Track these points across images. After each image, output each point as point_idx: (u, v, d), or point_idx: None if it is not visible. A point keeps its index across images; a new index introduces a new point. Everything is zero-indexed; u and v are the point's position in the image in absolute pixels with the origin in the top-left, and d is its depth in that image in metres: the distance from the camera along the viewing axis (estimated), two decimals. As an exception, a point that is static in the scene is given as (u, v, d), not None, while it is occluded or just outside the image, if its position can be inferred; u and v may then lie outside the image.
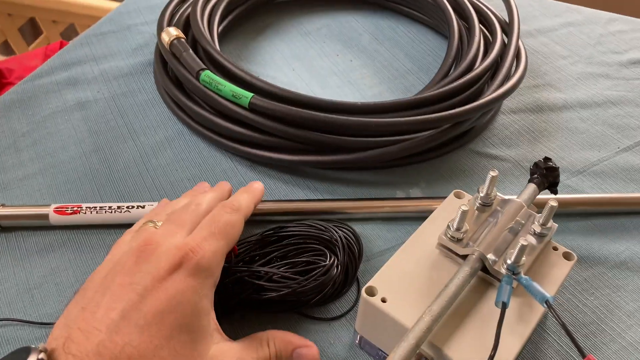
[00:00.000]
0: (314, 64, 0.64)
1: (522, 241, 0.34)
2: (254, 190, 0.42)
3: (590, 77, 0.63)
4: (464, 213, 0.36)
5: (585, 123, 0.57)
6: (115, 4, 1.34)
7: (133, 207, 0.45)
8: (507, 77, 0.55)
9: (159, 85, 0.58)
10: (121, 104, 0.58)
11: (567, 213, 0.48)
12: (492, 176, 0.38)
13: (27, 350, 0.28)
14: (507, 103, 0.59)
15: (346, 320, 0.41)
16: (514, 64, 0.57)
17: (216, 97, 0.50)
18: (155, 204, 0.46)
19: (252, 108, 0.48)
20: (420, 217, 0.47)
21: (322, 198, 0.49)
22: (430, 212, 0.44)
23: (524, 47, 0.59)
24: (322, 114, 0.47)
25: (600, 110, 0.59)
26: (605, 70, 0.64)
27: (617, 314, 0.42)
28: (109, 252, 0.36)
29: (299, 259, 0.39)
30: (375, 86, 0.61)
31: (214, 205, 0.38)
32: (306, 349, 0.35)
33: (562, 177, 0.52)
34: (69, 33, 1.53)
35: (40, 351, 0.28)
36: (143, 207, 0.45)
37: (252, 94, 0.48)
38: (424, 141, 0.49)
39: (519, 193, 0.40)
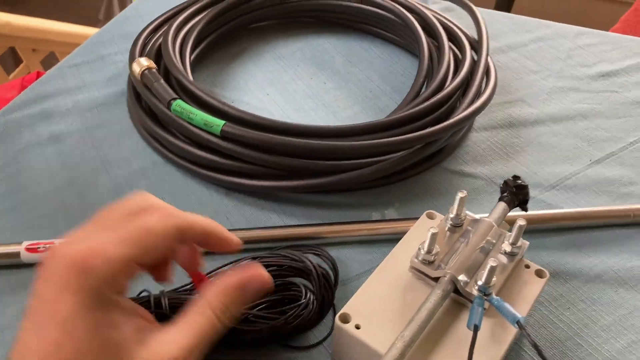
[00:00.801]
0: (288, 87, 0.64)
1: (491, 262, 0.34)
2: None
3: (560, 91, 0.64)
4: (434, 236, 0.36)
5: (557, 137, 0.58)
6: (94, 30, 1.34)
7: (106, 240, 0.45)
8: (478, 95, 0.56)
9: (132, 116, 0.58)
10: (95, 135, 0.57)
11: (542, 229, 0.49)
12: (461, 197, 0.38)
13: None
14: (479, 120, 0.60)
15: (324, 347, 0.41)
16: (484, 81, 0.58)
17: (188, 126, 0.50)
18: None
19: (224, 136, 0.48)
20: (396, 239, 0.47)
21: (298, 224, 0.49)
22: (404, 233, 0.44)
23: (494, 64, 0.60)
24: (294, 139, 0.47)
25: (572, 123, 0.60)
26: (575, 84, 0.65)
27: (593, 329, 0.42)
28: None
29: (274, 297, 0.39)
30: (349, 108, 0.62)
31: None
32: (251, 281, 0.30)
33: (535, 192, 0.52)
34: (50, 60, 1.53)
35: None
36: (117, 240, 0.45)
37: (223, 122, 0.48)
38: (397, 162, 0.49)
39: (490, 212, 0.41)
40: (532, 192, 0.52)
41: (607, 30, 1.30)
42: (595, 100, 0.62)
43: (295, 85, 0.65)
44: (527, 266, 0.39)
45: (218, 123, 0.47)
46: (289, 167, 0.48)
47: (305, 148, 0.47)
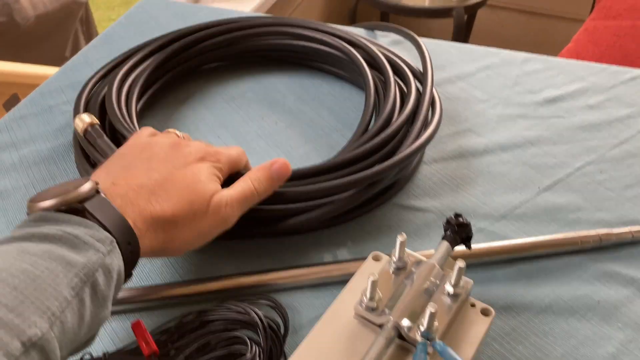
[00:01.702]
0: (240, 129, 0.64)
1: (430, 308, 0.34)
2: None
3: (508, 119, 0.65)
4: (374, 283, 0.36)
5: (506, 166, 0.59)
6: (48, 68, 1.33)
7: (49, 302, 0.44)
8: (425, 127, 0.56)
9: (80, 169, 0.57)
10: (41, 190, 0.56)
11: (492, 262, 0.49)
12: (401, 241, 0.38)
13: (84, 179, 0.37)
14: (429, 152, 0.60)
15: (274, 400, 0.40)
16: (430, 113, 0.58)
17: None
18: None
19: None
20: (346, 280, 0.47)
21: (249, 271, 0.48)
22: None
23: (439, 95, 0.61)
24: (238, 187, 0.47)
25: (520, 151, 0.60)
26: (523, 111, 0.66)
27: (545, 362, 0.42)
28: (128, 141, 0.47)
29: (218, 353, 0.38)
30: (300, 146, 0.62)
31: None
32: (274, 165, 0.47)
33: (485, 224, 0.53)
34: (14, 102, 1.51)
35: (95, 182, 0.37)
36: (59, 301, 0.44)
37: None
38: (344, 203, 0.49)
39: (434, 253, 0.41)
40: (482, 224, 0.53)
41: (562, 48, 1.34)
42: (542, 127, 0.63)
43: (247, 126, 0.65)
44: (473, 305, 0.39)
45: None
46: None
47: (250, 195, 0.46)
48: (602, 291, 0.47)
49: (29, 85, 1.51)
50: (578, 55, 1.26)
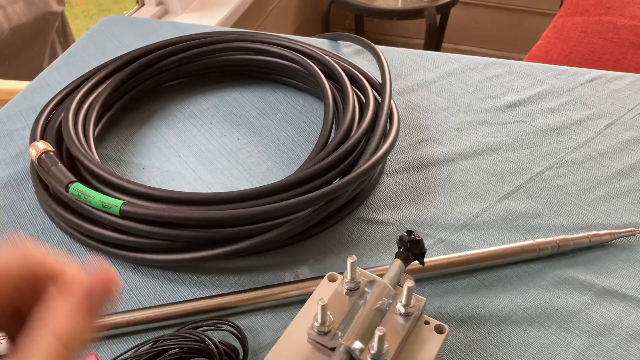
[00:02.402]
0: (201, 147, 0.64)
1: (378, 331, 0.34)
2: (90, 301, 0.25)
3: (469, 126, 0.65)
4: (324, 308, 0.36)
5: (466, 174, 0.59)
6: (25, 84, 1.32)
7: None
8: (384, 138, 0.56)
9: (38, 195, 0.57)
10: (0, 219, 0.56)
11: (452, 273, 0.49)
12: (351, 262, 0.38)
13: None
14: (391, 163, 0.60)
15: None
16: (388, 125, 0.58)
17: (89, 207, 0.49)
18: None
19: (124, 215, 0.47)
20: (306, 300, 0.47)
21: (208, 295, 0.48)
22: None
23: (396, 106, 0.61)
24: (194, 211, 0.47)
25: (480, 158, 0.61)
26: (484, 117, 0.66)
27: (503, 374, 0.42)
28: None
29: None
30: (262, 163, 0.62)
31: None
32: (91, 287, 0.24)
33: (446, 234, 0.53)
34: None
35: None
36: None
37: (121, 202, 0.47)
38: (304, 221, 0.49)
39: (386, 271, 0.41)
40: (443, 234, 0.53)
41: (536, 42, 1.34)
42: (502, 133, 0.64)
43: (209, 144, 0.64)
44: (427, 322, 0.39)
45: (116, 204, 0.47)
46: (193, 239, 0.48)
47: (205, 218, 0.46)
48: (561, 298, 0.47)
49: (2, 100, 1.50)
50: (547, 52, 1.27)
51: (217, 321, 0.44)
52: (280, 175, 0.60)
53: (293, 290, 0.47)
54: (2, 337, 0.43)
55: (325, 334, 0.37)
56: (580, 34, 1.27)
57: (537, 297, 0.47)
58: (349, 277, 0.39)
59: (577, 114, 0.66)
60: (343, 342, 0.35)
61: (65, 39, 2.06)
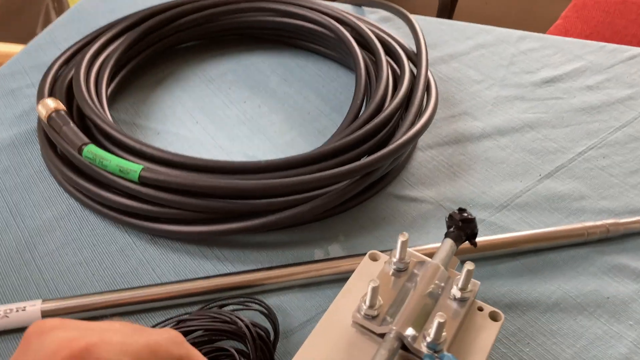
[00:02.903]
0: (220, 113, 0.60)
1: (438, 318, 0.30)
2: None
3: (505, 101, 0.61)
4: (375, 290, 0.32)
5: (504, 151, 0.55)
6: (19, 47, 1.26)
7: (12, 310, 0.40)
8: (420, 113, 0.52)
9: (45, 158, 0.52)
10: (2, 182, 0.51)
11: (494, 255, 0.46)
12: (402, 241, 0.35)
13: None
14: (423, 138, 0.57)
15: (265, 414, 0.37)
16: (425, 98, 0.54)
17: (104, 172, 0.45)
18: (37, 302, 0.40)
19: (143, 182, 0.43)
20: (341, 279, 0.44)
21: (233, 271, 0.44)
22: (349, 273, 0.40)
23: (434, 78, 0.57)
24: (221, 180, 0.43)
25: (519, 135, 0.57)
26: (520, 92, 0.62)
27: (554, 365, 0.39)
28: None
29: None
30: (286, 133, 0.58)
31: None
32: None
33: (485, 214, 0.49)
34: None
35: None
36: (24, 309, 0.40)
37: (141, 167, 0.43)
38: (337, 196, 0.45)
39: (436, 251, 0.37)
40: (482, 214, 0.49)
41: (549, 26, 1.30)
42: (540, 109, 0.60)
43: (228, 110, 0.60)
44: (480, 308, 0.36)
45: (135, 169, 0.43)
46: (218, 210, 0.44)
47: (233, 188, 0.42)
48: (611, 286, 0.44)
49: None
50: (567, 32, 1.23)
51: (245, 299, 0.40)
52: (306, 146, 0.56)
53: (326, 269, 0.44)
54: (8, 312, 0.39)
55: (374, 318, 0.33)
56: (602, 14, 1.22)
57: (586, 284, 0.44)
58: (397, 256, 0.36)
59: (618, 93, 0.62)
60: (394, 328, 0.32)
61: (60, 3, 1.98)
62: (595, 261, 0.46)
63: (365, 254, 0.39)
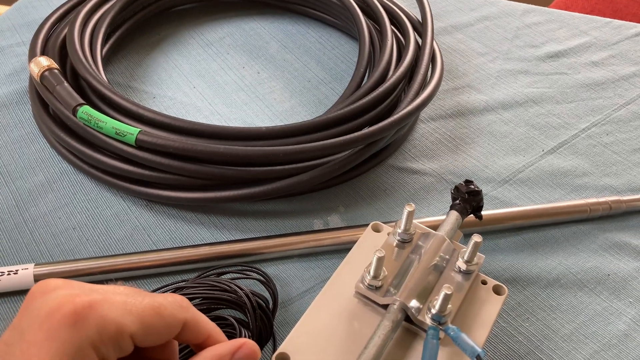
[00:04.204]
0: (218, 79, 0.58)
1: (445, 289, 0.30)
2: None
3: (509, 75, 0.60)
4: (380, 260, 0.32)
5: (507, 125, 0.55)
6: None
7: (3, 273, 0.39)
8: (424, 84, 0.51)
9: (36, 119, 0.51)
10: (-7, 143, 0.50)
11: (496, 230, 0.45)
12: (409, 211, 0.34)
13: None
14: (425, 110, 0.56)
15: (262, 384, 0.36)
16: (430, 69, 0.53)
17: (98, 134, 0.43)
18: (30, 266, 0.39)
19: (140, 145, 0.42)
20: (341, 250, 0.43)
21: (231, 239, 0.43)
22: (350, 244, 0.40)
23: (440, 50, 0.56)
24: (221, 146, 0.42)
25: (522, 110, 0.56)
26: (524, 66, 0.61)
27: (553, 340, 0.39)
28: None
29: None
30: (286, 101, 0.56)
31: None
32: (240, 350, 0.27)
33: (487, 188, 0.49)
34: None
35: None
36: (16, 272, 0.39)
37: (138, 130, 0.41)
38: (339, 165, 0.44)
39: (441, 223, 0.37)
40: (484, 188, 0.49)
41: (550, 2, 1.28)
42: (544, 84, 0.59)
43: (226, 76, 0.59)
44: (484, 282, 0.35)
45: (132, 131, 0.41)
46: (216, 176, 0.43)
47: (233, 154, 0.41)
48: (612, 263, 0.44)
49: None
50: (567, 9, 1.22)
51: (244, 268, 0.39)
52: (306, 114, 0.55)
53: (326, 239, 0.43)
54: (7, 273, 0.38)
55: (377, 289, 0.33)
56: (604, -9, 1.21)
57: (587, 261, 0.44)
58: (402, 227, 0.35)
59: (623, 69, 0.61)
60: (398, 299, 0.31)
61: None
62: (596, 238, 0.45)
63: (366, 226, 0.38)
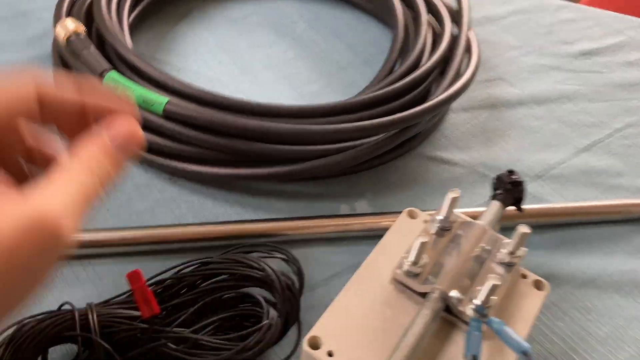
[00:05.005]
0: (244, 56, 0.56)
1: (493, 280, 0.28)
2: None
3: (542, 70, 0.58)
4: (423, 246, 0.30)
5: (540, 121, 0.53)
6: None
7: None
8: (458, 74, 0.50)
9: (58, 84, 0.49)
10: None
11: (529, 225, 0.44)
12: (453, 197, 0.33)
13: None
14: (457, 100, 0.54)
15: (284, 369, 0.35)
16: (464, 59, 0.52)
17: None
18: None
19: (167, 115, 0.40)
20: (368, 236, 0.42)
21: (256, 218, 0.42)
22: (379, 230, 0.38)
23: (477, 40, 0.54)
24: (253, 121, 0.40)
25: (555, 106, 0.55)
26: (557, 62, 0.60)
27: (588, 342, 0.38)
28: None
29: (226, 314, 0.32)
30: (313, 82, 0.55)
31: None
32: (116, 132, 0.23)
33: (520, 183, 0.47)
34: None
35: None
36: (34, 239, 0.37)
37: (166, 99, 0.40)
38: (372, 149, 0.43)
39: (483, 212, 0.35)
40: (517, 183, 0.47)
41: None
42: (578, 81, 0.58)
43: (253, 53, 0.57)
44: (524, 276, 0.34)
45: (160, 101, 0.40)
46: (244, 153, 0.41)
47: (267, 131, 0.40)
48: (649, 267, 0.42)
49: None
50: (601, 4, 1.20)
51: (271, 247, 0.38)
52: (333, 97, 0.53)
53: (354, 224, 0.41)
54: None
55: (416, 276, 0.31)
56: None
57: (623, 264, 0.42)
58: (443, 214, 0.33)
59: (658, 72, 0.60)
60: (439, 287, 0.30)
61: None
62: (632, 240, 0.44)
63: (396, 214, 0.37)
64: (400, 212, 0.42)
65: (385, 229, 0.41)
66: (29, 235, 0.19)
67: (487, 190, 0.45)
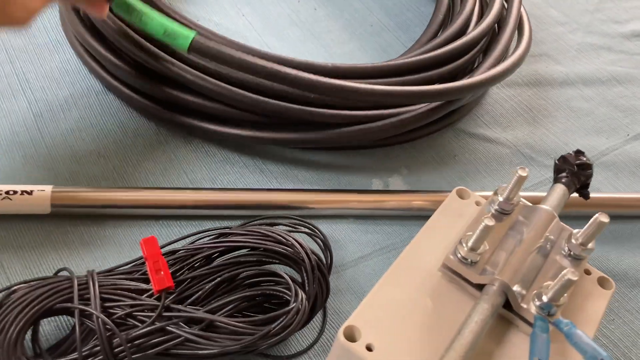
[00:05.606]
0: (270, 10, 0.51)
1: (570, 274, 0.24)
2: None
3: (590, 49, 0.54)
4: (487, 229, 0.26)
5: (589, 103, 0.49)
6: None
7: (16, 192, 0.32)
8: (506, 50, 0.45)
9: (65, 24, 0.44)
10: (12, 46, 0.43)
11: (577, 215, 0.39)
12: (521, 176, 0.28)
13: None
14: (500, 74, 0.49)
15: (309, 357, 0.31)
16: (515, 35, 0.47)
17: (138, 37, 0.37)
18: (47, 187, 0.33)
19: (194, 51, 0.35)
20: (404, 216, 0.37)
21: (280, 188, 0.38)
22: (414, 210, 0.34)
23: (527, 15, 0.49)
24: (292, 70, 0.35)
25: (605, 88, 0.50)
26: (607, 42, 0.55)
27: (643, 348, 0.34)
28: None
29: (249, 292, 0.28)
30: (344, 43, 0.50)
31: None
32: None
33: (568, 169, 0.43)
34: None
35: None
36: (30, 192, 0.33)
37: (194, 32, 0.35)
38: (413, 119, 0.38)
39: (545, 197, 0.31)
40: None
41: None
42: (630, 64, 0.53)
43: (279, 7, 0.52)
44: (588, 272, 0.30)
45: (187, 34, 0.34)
46: (271, 111, 0.36)
47: (299, 81, 0.35)
48: None
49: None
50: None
51: (297, 221, 0.33)
52: (366, 60, 0.48)
53: (388, 201, 0.37)
54: (11, 193, 0.32)
55: (472, 264, 0.27)
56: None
57: (680, 264, 0.38)
58: (506, 195, 0.29)
59: None
60: (500, 279, 0.26)
61: None
62: (690, 239, 0.40)
63: (435, 192, 0.33)
64: (439, 191, 0.38)
65: (420, 209, 0.37)
66: None
67: (533, 174, 0.41)
